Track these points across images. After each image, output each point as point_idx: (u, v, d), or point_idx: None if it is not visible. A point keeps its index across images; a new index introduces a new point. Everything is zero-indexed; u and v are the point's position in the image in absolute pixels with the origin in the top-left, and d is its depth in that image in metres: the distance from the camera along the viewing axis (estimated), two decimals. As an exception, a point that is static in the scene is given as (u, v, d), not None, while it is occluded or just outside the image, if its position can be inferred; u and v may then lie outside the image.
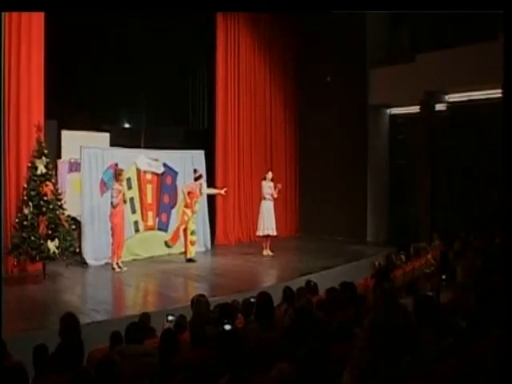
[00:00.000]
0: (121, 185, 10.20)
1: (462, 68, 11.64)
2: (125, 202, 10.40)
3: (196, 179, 11.49)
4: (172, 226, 12.01)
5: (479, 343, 3.30)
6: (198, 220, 12.04)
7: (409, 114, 13.98)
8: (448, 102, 13.02)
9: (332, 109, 14.57)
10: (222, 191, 11.95)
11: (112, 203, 10.07)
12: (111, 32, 12.18)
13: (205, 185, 11.64)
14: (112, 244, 10.22)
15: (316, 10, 12.81)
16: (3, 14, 9.56)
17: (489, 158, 11.42)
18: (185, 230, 11.15)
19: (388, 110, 14.50)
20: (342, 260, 11.28)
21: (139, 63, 12.81)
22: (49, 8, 9.43)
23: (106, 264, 10.50)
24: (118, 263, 10.23)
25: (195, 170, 11.88)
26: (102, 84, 12.40)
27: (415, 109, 13.40)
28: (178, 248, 11.82)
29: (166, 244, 11.12)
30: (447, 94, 12.87)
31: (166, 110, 14.20)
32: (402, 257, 9.10)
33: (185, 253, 11.24)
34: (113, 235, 10.19)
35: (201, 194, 11.34)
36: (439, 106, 13.13)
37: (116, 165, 10.82)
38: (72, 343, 4.25)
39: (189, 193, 11.14)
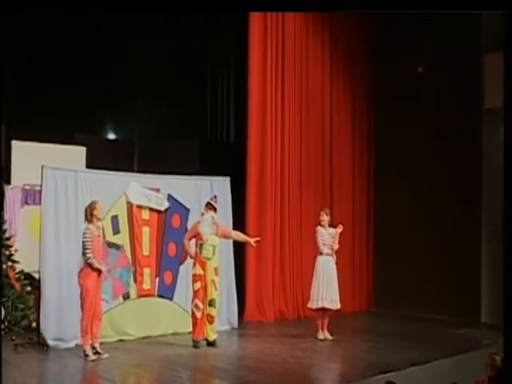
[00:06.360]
0: (97, 227, 10.08)
1: None
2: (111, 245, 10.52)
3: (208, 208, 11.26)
4: (181, 292, 11.94)
5: None
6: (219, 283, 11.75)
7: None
8: None
9: (425, 115, 14.58)
10: (252, 241, 11.74)
11: (84, 255, 9.86)
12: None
13: (211, 217, 11.21)
14: (81, 318, 9.99)
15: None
16: None
17: None
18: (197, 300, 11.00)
19: (515, 118, 14.31)
20: (440, 351, 11.03)
21: (132, 46, 13.14)
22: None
23: (77, 346, 10.36)
24: (94, 346, 10.02)
25: (215, 197, 11.62)
26: (75, 75, 12.64)
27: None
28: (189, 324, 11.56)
29: (194, 343, 10.94)
30: None
31: (171, 116, 14.43)
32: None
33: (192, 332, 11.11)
34: (82, 305, 9.93)
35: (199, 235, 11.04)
36: None
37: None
38: None
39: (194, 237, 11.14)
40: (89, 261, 9.79)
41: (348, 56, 15.63)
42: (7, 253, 9.48)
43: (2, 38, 10.73)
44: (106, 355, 9.97)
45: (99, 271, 10.01)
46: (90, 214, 10.02)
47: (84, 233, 9.94)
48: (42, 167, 10.62)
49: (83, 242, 9.89)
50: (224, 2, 11.58)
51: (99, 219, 10.13)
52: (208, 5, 11.61)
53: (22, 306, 9.44)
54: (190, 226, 11.97)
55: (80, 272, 9.95)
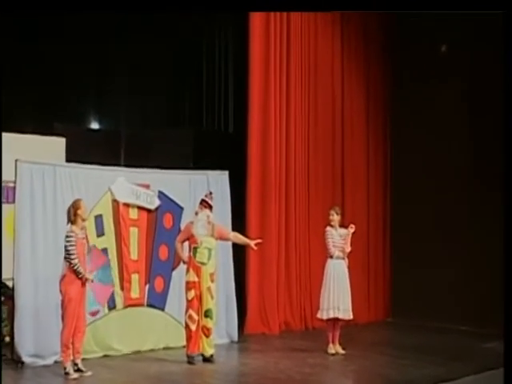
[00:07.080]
0: (82, 227, 9.99)
1: None
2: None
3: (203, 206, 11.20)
4: (173, 302, 11.87)
5: None
6: (216, 291, 11.64)
7: None
8: None
9: (449, 100, 14.58)
10: (253, 243, 11.69)
11: (69, 261, 9.74)
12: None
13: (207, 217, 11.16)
14: (62, 331, 9.88)
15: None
16: None
17: None
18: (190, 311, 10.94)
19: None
20: (467, 367, 10.93)
21: (118, 28, 13.25)
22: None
23: (57, 363, 10.25)
24: (75, 363, 9.90)
25: (211, 193, 11.60)
26: (54, 58, 12.65)
27: None
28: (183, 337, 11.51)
29: (188, 359, 10.90)
30: None
31: (163, 102, 14.55)
32: None
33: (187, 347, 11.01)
34: (63, 316, 9.84)
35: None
36: None
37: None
38: None
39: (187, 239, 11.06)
40: (75, 267, 9.69)
41: (362, 36, 15.61)
42: (-24, 258, 9.31)
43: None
44: (89, 373, 9.85)
45: (85, 279, 9.94)
46: (73, 214, 9.93)
47: (68, 236, 9.82)
48: (16, 161, 10.51)
49: (66, 246, 9.80)
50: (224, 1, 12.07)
51: (84, 219, 10.05)
52: (208, 5, 12.07)
53: (-7, 319, 9.27)
54: (183, 226, 11.90)
55: (62, 279, 9.82)
